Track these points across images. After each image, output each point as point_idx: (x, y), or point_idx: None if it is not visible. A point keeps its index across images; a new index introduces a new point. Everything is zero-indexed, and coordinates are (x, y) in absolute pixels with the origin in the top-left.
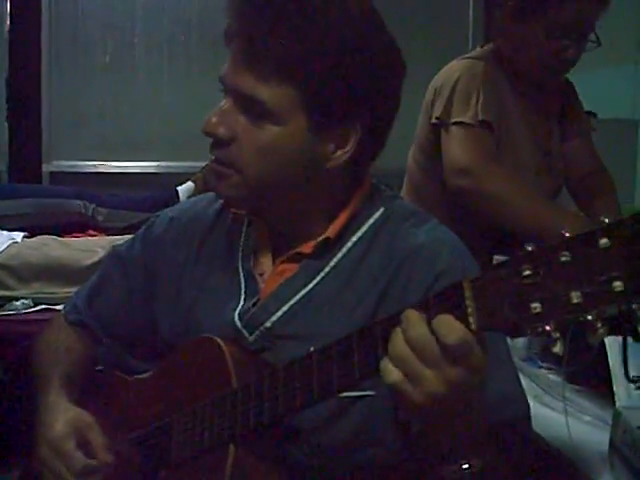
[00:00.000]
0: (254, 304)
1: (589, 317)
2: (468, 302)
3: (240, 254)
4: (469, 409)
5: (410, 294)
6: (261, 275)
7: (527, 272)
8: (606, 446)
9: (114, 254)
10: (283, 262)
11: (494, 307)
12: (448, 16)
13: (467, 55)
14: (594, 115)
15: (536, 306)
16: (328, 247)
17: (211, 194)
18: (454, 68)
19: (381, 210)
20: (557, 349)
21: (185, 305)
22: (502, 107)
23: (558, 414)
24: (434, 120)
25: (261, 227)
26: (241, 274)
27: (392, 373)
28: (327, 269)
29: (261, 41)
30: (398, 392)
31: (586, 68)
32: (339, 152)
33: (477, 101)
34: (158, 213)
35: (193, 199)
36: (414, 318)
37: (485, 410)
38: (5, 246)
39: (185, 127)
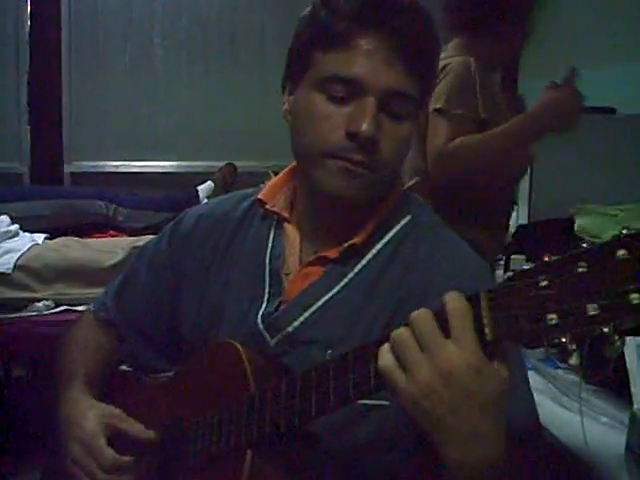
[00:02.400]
0: (277, 307)
1: (605, 330)
2: (484, 313)
3: (268, 254)
4: (477, 425)
5: (427, 305)
6: (287, 275)
7: (544, 283)
8: (623, 448)
9: (142, 250)
10: (308, 265)
11: (510, 318)
12: None
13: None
14: (613, 111)
15: (552, 317)
16: (353, 252)
17: (240, 192)
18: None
19: (407, 218)
20: (573, 361)
21: (209, 304)
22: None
23: (574, 415)
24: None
25: (291, 228)
26: (267, 274)
27: (384, 356)
28: (351, 275)
29: (412, 36)
30: (389, 382)
31: (606, 64)
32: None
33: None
34: (187, 210)
35: (221, 198)
36: (422, 310)
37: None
38: (27, 248)
39: (205, 127)
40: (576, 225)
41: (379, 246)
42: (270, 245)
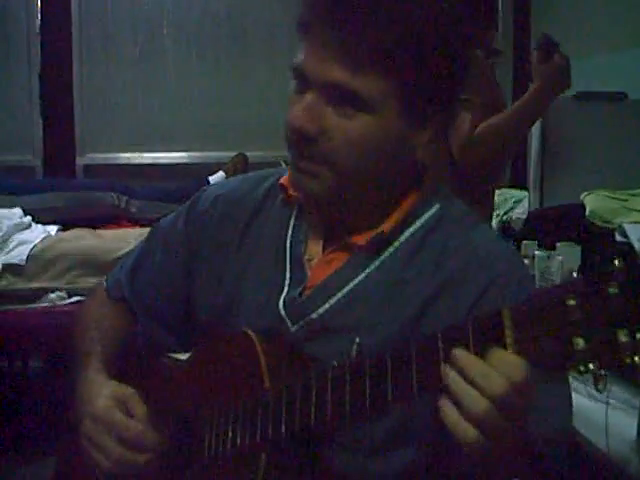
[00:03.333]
0: (300, 293)
1: (637, 359)
2: (507, 332)
3: (289, 239)
4: (510, 433)
5: (464, 296)
6: (309, 261)
7: (571, 302)
8: (634, 431)
9: (156, 228)
10: (333, 251)
11: (534, 339)
12: None
13: None
14: (624, 96)
15: (579, 342)
16: (381, 240)
17: (261, 172)
18: None
19: (436, 207)
20: (601, 387)
21: (227, 287)
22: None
23: (581, 397)
24: None
25: (314, 213)
26: (287, 260)
27: (452, 413)
28: (377, 263)
29: (356, 31)
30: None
31: (617, 49)
32: (424, 135)
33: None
34: (204, 188)
35: (241, 177)
36: (467, 359)
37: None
38: (39, 239)
39: (215, 117)
40: (587, 210)
41: (407, 234)
42: (291, 230)
